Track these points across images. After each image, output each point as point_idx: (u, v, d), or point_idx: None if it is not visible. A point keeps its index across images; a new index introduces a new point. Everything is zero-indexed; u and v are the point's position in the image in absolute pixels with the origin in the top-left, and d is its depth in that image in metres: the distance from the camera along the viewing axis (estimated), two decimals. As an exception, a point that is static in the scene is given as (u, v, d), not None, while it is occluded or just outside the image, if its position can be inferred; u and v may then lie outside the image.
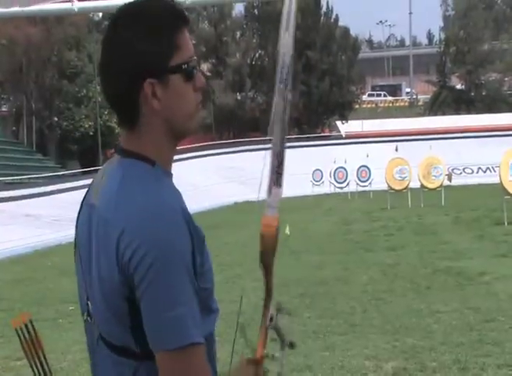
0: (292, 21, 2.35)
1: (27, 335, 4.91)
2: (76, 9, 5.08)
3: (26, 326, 4.86)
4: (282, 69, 2.19)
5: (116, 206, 1.72)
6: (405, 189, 26.91)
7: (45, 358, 4.98)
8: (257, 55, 60.92)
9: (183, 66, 1.83)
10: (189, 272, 1.68)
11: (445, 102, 70.07)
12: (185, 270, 1.67)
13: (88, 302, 1.86)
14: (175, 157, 1.92)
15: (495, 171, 34.84)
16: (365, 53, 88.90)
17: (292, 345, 2.02)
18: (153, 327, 1.66)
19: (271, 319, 2.01)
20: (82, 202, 1.94)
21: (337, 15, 62.17)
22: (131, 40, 1.78)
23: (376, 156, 33.63)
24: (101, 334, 1.81)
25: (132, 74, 1.78)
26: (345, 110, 61.21)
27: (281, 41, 2.21)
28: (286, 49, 2.24)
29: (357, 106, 64.67)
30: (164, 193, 1.74)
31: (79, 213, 1.93)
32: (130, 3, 1.87)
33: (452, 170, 36.60)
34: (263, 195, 2.08)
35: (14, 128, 54.16)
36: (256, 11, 61.23)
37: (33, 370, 4.97)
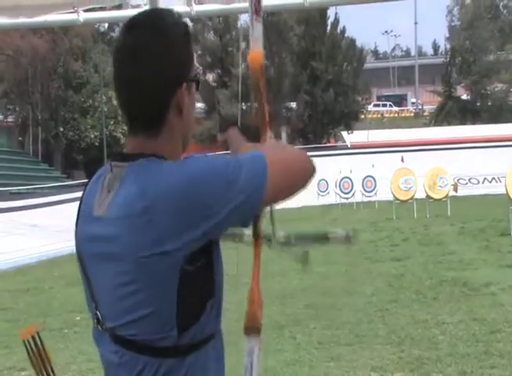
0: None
1: (34, 347, 4.92)
2: (82, 20, 5.08)
3: (33, 338, 4.86)
4: None
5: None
6: (410, 199, 26.88)
7: (52, 371, 4.97)
8: (262, 65, 61.01)
9: (198, 76, 1.95)
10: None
11: (451, 112, 70.05)
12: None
13: (97, 312, 1.89)
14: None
15: (500, 181, 34.74)
16: (370, 63, 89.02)
17: None
18: None
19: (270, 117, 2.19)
20: (78, 214, 1.96)
21: (344, 26, 62.30)
22: (168, 46, 1.86)
23: (381, 166, 33.61)
24: (120, 337, 1.84)
25: (170, 78, 1.85)
26: (351, 121, 61.18)
27: None
28: None
29: (362, 117, 64.68)
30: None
31: (77, 227, 1.96)
32: (145, 12, 1.99)
33: (458, 180, 36.50)
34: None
35: (20, 138, 54.34)
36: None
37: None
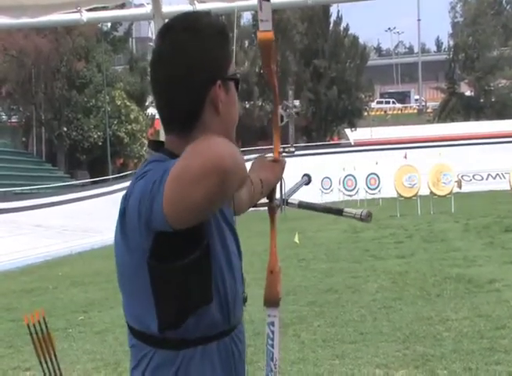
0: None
1: (39, 333, 4.95)
2: (85, 19, 5.10)
3: (39, 323, 4.89)
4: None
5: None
6: (414, 196, 26.82)
7: (55, 355, 4.99)
8: (265, 63, 61.07)
9: (238, 75, 1.98)
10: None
11: (455, 109, 70.05)
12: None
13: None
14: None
15: (505, 177, 34.74)
16: (373, 60, 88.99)
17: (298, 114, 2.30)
18: None
19: (281, 119, 2.16)
20: None
21: (347, 24, 62.32)
22: (201, 44, 1.87)
23: (385, 163, 33.58)
24: (126, 321, 1.93)
25: (205, 77, 1.87)
26: (354, 118, 61.22)
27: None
28: None
29: (366, 114, 64.68)
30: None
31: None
32: (181, 14, 1.97)
33: (462, 177, 36.47)
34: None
35: (24, 138, 54.41)
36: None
37: (42, 367, 4.98)
